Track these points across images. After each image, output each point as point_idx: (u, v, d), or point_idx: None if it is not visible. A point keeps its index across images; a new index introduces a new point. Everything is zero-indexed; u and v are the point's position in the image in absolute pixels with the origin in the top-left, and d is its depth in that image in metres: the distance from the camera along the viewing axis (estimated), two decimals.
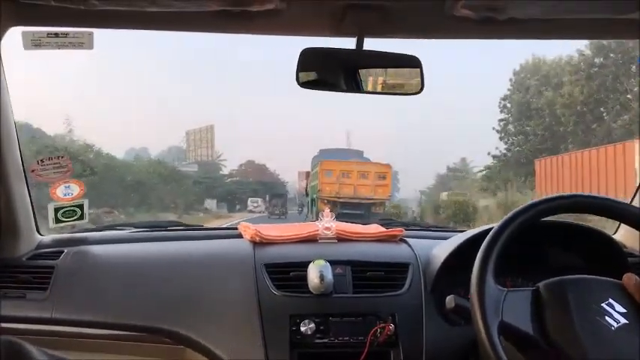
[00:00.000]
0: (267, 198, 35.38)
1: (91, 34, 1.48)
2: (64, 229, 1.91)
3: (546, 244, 1.58)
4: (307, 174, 26.36)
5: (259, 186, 46.85)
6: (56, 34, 1.46)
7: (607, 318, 1.09)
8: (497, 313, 1.10)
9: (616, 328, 1.08)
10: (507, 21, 1.33)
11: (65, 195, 1.80)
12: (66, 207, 1.80)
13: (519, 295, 1.15)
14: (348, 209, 19.86)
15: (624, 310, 1.10)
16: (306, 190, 25.20)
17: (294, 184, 50.92)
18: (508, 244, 1.19)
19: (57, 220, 1.80)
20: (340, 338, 1.49)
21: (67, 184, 1.79)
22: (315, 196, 22.14)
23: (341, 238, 1.80)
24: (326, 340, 1.48)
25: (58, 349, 1.60)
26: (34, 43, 1.46)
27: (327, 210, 1.89)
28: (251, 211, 36.55)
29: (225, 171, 50.79)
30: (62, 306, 1.60)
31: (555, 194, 1.26)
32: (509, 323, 1.10)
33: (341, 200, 20.70)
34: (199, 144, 50.70)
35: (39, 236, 1.82)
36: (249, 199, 40.96)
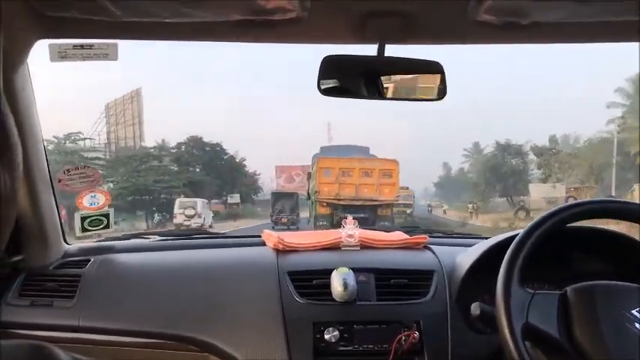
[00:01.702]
0: (270, 200, 26.20)
1: (115, 45, 1.50)
2: (90, 238, 1.94)
3: (573, 249, 1.56)
4: (309, 173, 23.41)
5: (207, 175, 31.46)
6: (82, 46, 1.49)
7: (636, 325, 1.07)
8: (522, 314, 1.10)
9: None
10: (530, 25, 1.31)
11: (91, 204, 1.83)
12: (92, 216, 1.84)
13: (546, 298, 1.14)
14: (350, 213, 17.12)
15: None
16: (308, 192, 22.29)
17: (272, 181, 43.60)
18: (535, 249, 1.18)
19: (83, 229, 1.84)
20: (364, 346, 1.48)
21: (93, 194, 1.83)
22: (313, 197, 20.04)
23: (364, 246, 1.80)
24: (350, 348, 1.48)
25: (84, 356, 1.62)
26: (60, 55, 1.49)
27: (350, 217, 1.88)
28: (182, 226, 20.59)
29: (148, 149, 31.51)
30: (89, 314, 1.62)
31: (583, 200, 1.25)
32: (534, 325, 1.10)
33: (341, 203, 18.75)
34: (122, 120, 33.21)
35: (66, 245, 1.85)
36: (178, 200, 24.37)
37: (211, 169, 32.78)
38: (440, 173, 64.54)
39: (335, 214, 18.28)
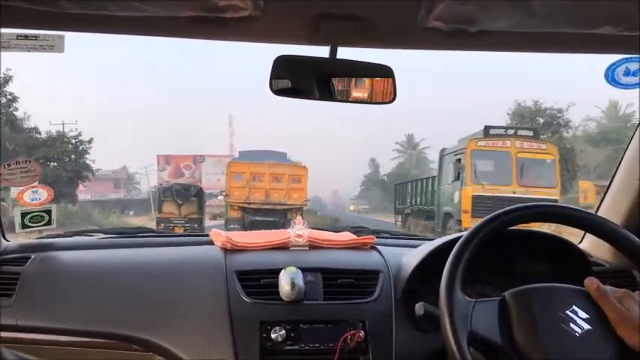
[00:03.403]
0: (156, 198, 19.43)
1: (61, 37, 1.46)
2: (30, 235, 1.88)
3: (514, 252, 1.61)
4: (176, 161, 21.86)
5: None
6: (26, 37, 1.44)
7: (571, 324, 1.11)
8: (466, 323, 1.12)
9: (580, 334, 1.10)
10: (478, 33, 1.35)
11: (32, 200, 1.78)
12: (33, 212, 1.78)
13: (487, 306, 1.17)
14: (261, 216, 18.31)
15: (587, 316, 1.12)
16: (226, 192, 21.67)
17: (147, 173, 39.66)
18: (476, 252, 1.21)
19: (24, 226, 1.78)
20: (311, 345, 1.49)
21: (34, 189, 1.77)
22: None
23: (312, 246, 1.80)
24: (296, 347, 1.48)
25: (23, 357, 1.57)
26: (3, 45, 1.44)
27: (298, 217, 1.89)
28: None
29: None
30: (28, 313, 1.57)
31: (523, 204, 1.29)
32: (478, 333, 1.12)
33: (252, 206, 19.05)
34: None
35: (4, 242, 1.78)
36: None
37: None
38: (366, 172, 57.57)
39: (245, 217, 18.78)
